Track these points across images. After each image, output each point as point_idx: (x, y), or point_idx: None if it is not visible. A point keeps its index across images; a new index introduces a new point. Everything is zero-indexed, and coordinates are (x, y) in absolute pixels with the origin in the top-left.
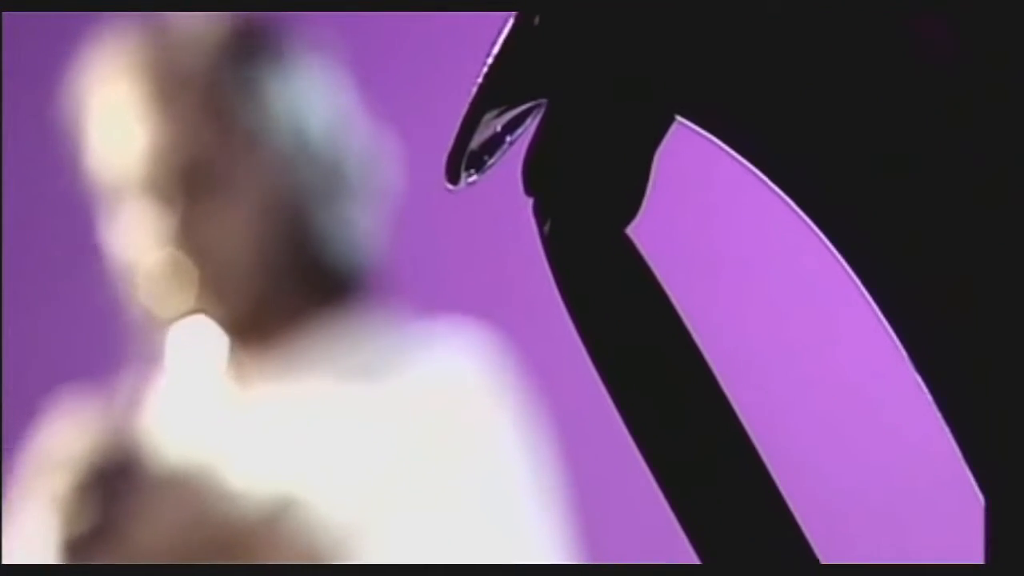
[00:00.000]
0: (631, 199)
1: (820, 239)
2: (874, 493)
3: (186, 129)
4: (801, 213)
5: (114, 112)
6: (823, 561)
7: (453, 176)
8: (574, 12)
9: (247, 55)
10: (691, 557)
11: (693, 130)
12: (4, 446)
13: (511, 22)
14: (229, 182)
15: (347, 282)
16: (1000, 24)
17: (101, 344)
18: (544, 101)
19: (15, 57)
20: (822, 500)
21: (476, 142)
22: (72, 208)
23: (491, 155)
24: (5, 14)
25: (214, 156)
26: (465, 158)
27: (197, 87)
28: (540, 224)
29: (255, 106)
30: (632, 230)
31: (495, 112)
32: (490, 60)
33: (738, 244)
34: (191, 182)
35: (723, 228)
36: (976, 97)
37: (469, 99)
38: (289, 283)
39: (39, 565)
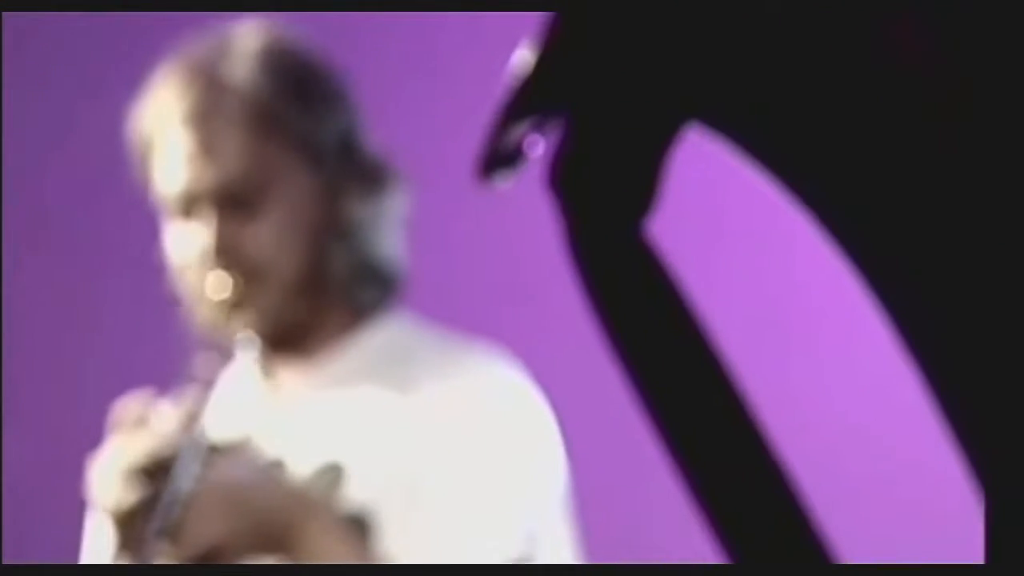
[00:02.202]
0: (647, 196)
1: (815, 231)
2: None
3: (235, 147)
4: (798, 206)
5: (166, 130)
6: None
7: (485, 179)
8: (594, 28)
9: (294, 74)
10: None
11: (706, 136)
12: (76, 449)
13: (535, 39)
14: (275, 199)
15: (386, 295)
16: (971, 25)
17: (161, 352)
18: (567, 110)
19: (75, 74)
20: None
21: (505, 147)
22: (131, 223)
23: (519, 159)
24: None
25: (262, 173)
26: (494, 163)
27: (245, 106)
28: (565, 219)
29: (302, 124)
30: (649, 224)
31: (522, 121)
32: (517, 73)
33: (737, 236)
34: (238, 199)
35: (724, 220)
36: (951, 95)
37: (498, 109)
38: (333, 297)
39: (40, 565)
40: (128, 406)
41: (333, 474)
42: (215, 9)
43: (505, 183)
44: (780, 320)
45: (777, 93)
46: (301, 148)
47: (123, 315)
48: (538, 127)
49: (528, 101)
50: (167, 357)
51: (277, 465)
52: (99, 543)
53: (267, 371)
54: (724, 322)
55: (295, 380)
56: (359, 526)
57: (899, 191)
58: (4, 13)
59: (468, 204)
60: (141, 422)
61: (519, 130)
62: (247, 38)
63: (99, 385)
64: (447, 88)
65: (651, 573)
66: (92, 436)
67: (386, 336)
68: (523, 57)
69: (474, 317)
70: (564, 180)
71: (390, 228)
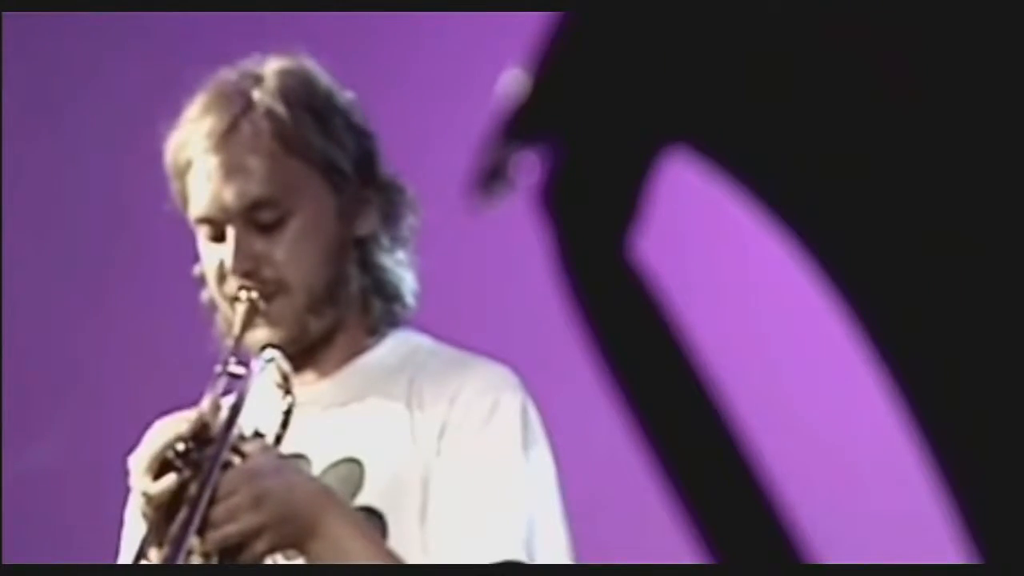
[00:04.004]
0: (632, 215)
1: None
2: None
3: (260, 169)
4: (772, 222)
5: (197, 153)
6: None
7: (476, 199)
8: (583, 56)
9: (316, 103)
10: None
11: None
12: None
13: (526, 62)
14: (297, 218)
15: (398, 311)
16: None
17: (189, 362)
18: (557, 134)
19: (117, 95)
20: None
21: (495, 169)
22: (159, 239)
23: (509, 181)
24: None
25: (285, 193)
26: (486, 184)
27: (271, 131)
28: (554, 237)
29: (323, 149)
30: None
31: (513, 144)
32: (508, 97)
33: (720, 251)
34: (263, 217)
35: (706, 237)
36: (933, 121)
37: (489, 132)
38: (349, 312)
39: (40, 566)
40: (167, 421)
41: (353, 469)
42: (217, 8)
43: (496, 203)
44: (758, 328)
45: (755, 118)
46: (322, 171)
47: (160, 324)
48: (528, 149)
49: (520, 125)
50: (202, 366)
51: (301, 458)
52: (136, 537)
53: (284, 382)
54: (705, 333)
55: (311, 391)
56: (375, 519)
57: (877, 209)
58: (5, 13)
59: (458, 222)
60: (180, 424)
61: (510, 152)
62: (273, 69)
63: (139, 389)
64: (446, 105)
65: (651, 573)
66: (129, 437)
67: (397, 351)
68: (513, 80)
69: (473, 333)
70: (554, 200)
71: (402, 247)
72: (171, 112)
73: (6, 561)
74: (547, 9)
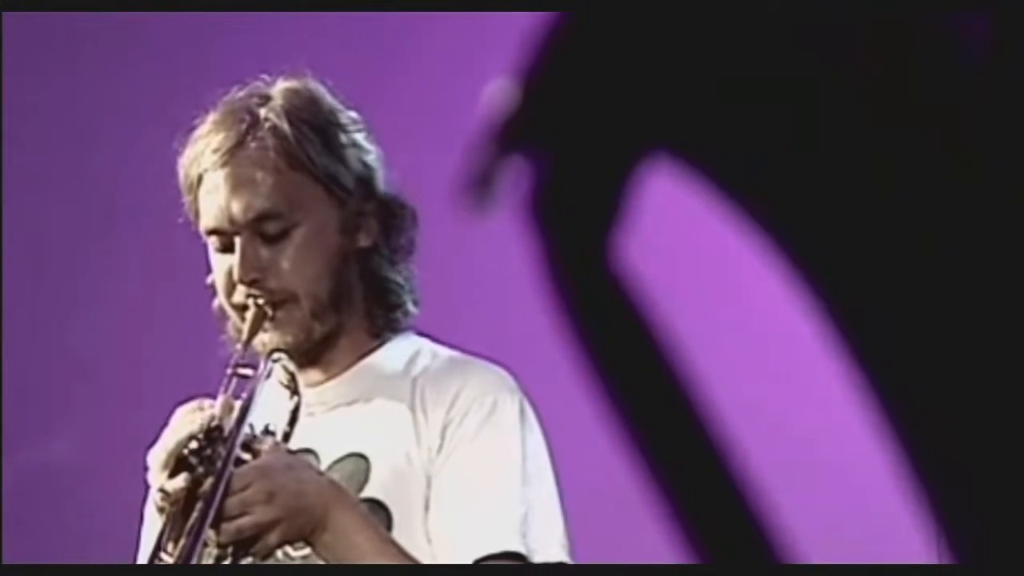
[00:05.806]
0: (616, 221)
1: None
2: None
3: (267, 183)
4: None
5: (207, 169)
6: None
7: (467, 207)
8: (570, 71)
9: (320, 122)
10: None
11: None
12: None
13: (516, 75)
14: (302, 229)
15: (399, 317)
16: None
17: (201, 366)
18: (545, 144)
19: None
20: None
21: (485, 177)
22: (173, 252)
23: (498, 189)
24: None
25: (291, 206)
26: (476, 192)
27: (277, 148)
28: (544, 241)
29: (326, 165)
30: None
31: (501, 155)
32: (497, 107)
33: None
34: (270, 229)
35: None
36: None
37: (479, 143)
38: (352, 318)
39: (40, 566)
40: (185, 408)
41: (359, 463)
42: (218, 8)
43: (485, 211)
44: (742, 332)
45: (737, 126)
46: (325, 186)
47: (174, 326)
48: (516, 158)
49: (508, 134)
50: (214, 368)
51: (309, 454)
52: (154, 531)
53: (291, 385)
54: (689, 337)
55: (317, 392)
56: (381, 511)
57: (860, 216)
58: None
59: (448, 229)
60: (196, 418)
61: (499, 161)
62: (280, 89)
63: (153, 389)
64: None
65: (646, 573)
66: (142, 435)
67: (400, 353)
68: (502, 90)
69: (464, 337)
70: (541, 208)
71: (403, 259)
72: (185, 127)
73: (19, 557)
74: (535, 10)
